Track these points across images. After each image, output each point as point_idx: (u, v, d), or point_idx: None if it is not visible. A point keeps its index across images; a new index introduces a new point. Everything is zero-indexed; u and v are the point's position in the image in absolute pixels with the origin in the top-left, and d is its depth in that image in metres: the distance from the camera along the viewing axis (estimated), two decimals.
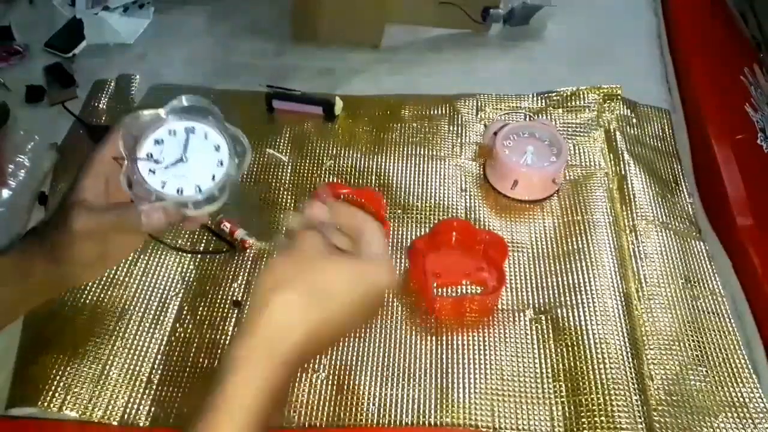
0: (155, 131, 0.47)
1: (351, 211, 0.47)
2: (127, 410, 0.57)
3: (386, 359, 0.60)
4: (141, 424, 0.57)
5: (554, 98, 0.84)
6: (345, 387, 0.58)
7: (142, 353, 0.61)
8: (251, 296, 0.41)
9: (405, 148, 0.79)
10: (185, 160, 0.46)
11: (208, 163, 0.47)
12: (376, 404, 0.57)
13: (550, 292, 0.64)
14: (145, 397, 0.58)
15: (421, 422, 0.56)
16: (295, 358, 0.40)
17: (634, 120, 0.81)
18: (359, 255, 0.44)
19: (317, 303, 0.41)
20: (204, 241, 0.70)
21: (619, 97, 0.83)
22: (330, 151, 0.79)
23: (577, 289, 0.64)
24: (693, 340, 0.61)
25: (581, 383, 0.57)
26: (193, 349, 0.61)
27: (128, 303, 0.64)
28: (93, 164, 0.47)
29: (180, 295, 0.65)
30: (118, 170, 0.46)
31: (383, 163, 0.77)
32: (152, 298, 0.65)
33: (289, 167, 0.77)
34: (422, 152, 0.78)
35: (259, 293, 0.41)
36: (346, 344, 0.61)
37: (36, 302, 0.51)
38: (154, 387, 0.59)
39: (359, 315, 0.44)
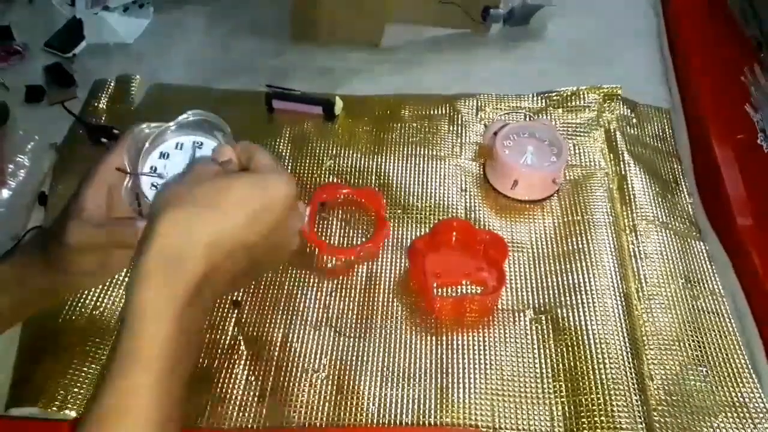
0: (162, 143, 0.45)
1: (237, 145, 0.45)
2: None
3: (386, 359, 0.60)
4: None
5: (554, 98, 0.84)
6: (345, 387, 0.58)
7: None
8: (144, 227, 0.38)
9: (405, 148, 0.79)
10: None
11: None
12: (376, 404, 0.57)
13: (550, 292, 0.64)
14: None
15: (421, 422, 0.56)
16: (198, 283, 0.36)
17: (634, 120, 0.81)
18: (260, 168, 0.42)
19: (210, 217, 0.37)
20: None
21: (619, 97, 0.83)
22: (330, 151, 0.79)
23: (577, 289, 0.64)
24: (693, 340, 0.61)
25: (581, 383, 0.57)
26: None
27: None
28: (97, 173, 0.45)
29: None
30: (121, 181, 0.45)
31: (383, 163, 0.77)
32: None
33: (289, 167, 0.77)
34: (422, 152, 0.78)
35: (148, 221, 0.38)
36: (346, 344, 0.61)
37: (36, 309, 0.51)
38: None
39: (263, 230, 0.39)
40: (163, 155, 0.45)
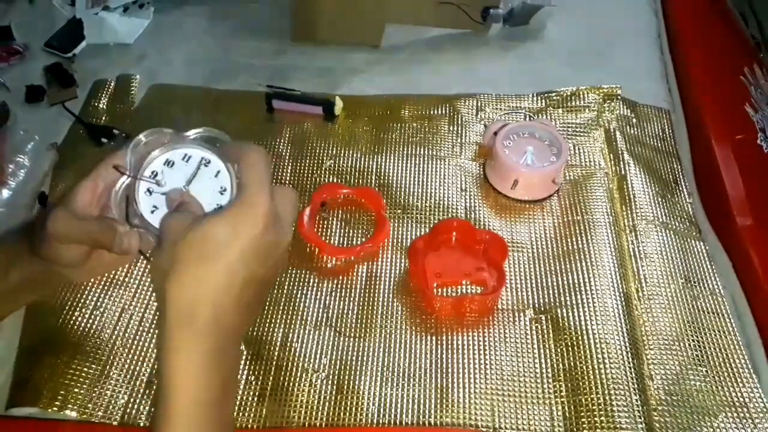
0: (172, 150, 0.44)
1: (234, 144, 0.44)
2: (127, 410, 0.58)
3: (386, 359, 0.60)
4: (141, 424, 0.57)
5: (554, 98, 0.84)
6: (345, 387, 0.58)
7: (142, 353, 0.61)
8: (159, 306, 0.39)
9: (405, 148, 0.79)
10: (186, 190, 0.43)
11: (207, 202, 0.43)
12: (376, 404, 0.57)
13: (550, 292, 0.64)
14: (145, 397, 0.58)
15: (421, 422, 0.56)
16: (216, 332, 0.38)
17: (634, 120, 0.81)
18: (235, 196, 0.41)
19: (204, 271, 0.38)
20: None
21: (618, 96, 0.83)
22: (330, 151, 0.79)
23: (577, 289, 0.64)
24: (693, 340, 0.61)
25: (581, 383, 0.57)
26: None
27: (128, 303, 0.64)
28: (98, 169, 0.45)
29: None
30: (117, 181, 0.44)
31: (383, 163, 0.77)
32: (152, 298, 0.65)
33: (289, 167, 0.77)
34: (422, 152, 0.78)
35: (156, 290, 0.39)
36: (346, 344, 0.61)
37: (26, 299, 0.50)
38: (154, 387, 0.59)
39: (258, 254, 0.40)
40: (168, 163, 0.44)
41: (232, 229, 0.38)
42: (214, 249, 0.38)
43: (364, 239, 0.70)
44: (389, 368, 0.59)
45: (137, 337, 0.62)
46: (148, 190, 0.43)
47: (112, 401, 0.58)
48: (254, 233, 0.39)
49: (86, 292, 0.65)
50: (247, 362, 0.60)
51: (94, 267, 0.48)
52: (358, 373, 0.59)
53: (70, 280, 0.49)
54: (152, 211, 0.43)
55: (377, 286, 0.65)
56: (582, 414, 0.56)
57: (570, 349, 0.60)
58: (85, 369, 0.59)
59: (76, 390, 0.58)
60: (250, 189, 0.40)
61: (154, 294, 0.41)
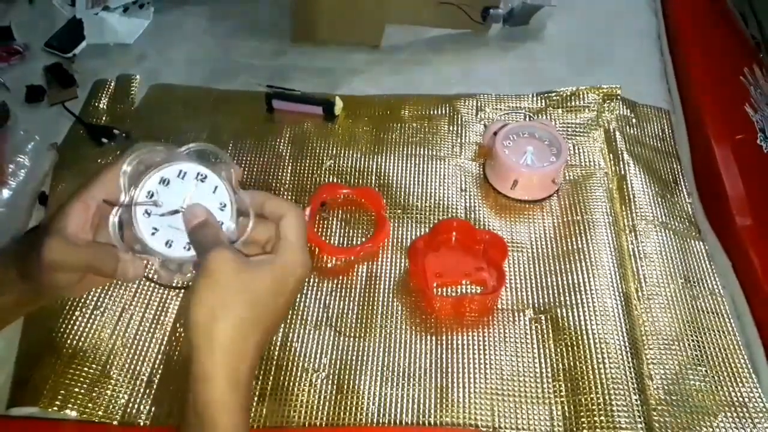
0: (164, 168, 0.42)
1: (268, 196, 0.44)
2: (127, 410, 0.58)
3: (386, 359, 0.60)
4: (141, 424, 0.57)
5: (554, 98, 0.84)
6: (345, 387, 0.58)
7: (142, 353, 0.61)
8: (187, 337, 0.40)
9: (405, 148, 0.79)
10: (183, 210, 0.42)
11: None
12: (376, 404, 0.57)
13: (550, 292, 0.64)
14: (145, 397, 0.58)
15: (421, 422, 0.56)
16: (250, 371, 0.41)
17: (634, 120, 0.81)
18: (275, 250, 0.42)
19: (250, 321, 0.40)
20: None
21: (618, 97, 0.83)
22: (330, 151, 0.79)
23: (576, 289, 0.64)
24: (692, 340, 0.61)
25: (581, 383, 0.57)
26: None
27: (128, 303, 0.64)
28: (88, 189, 0.42)
29: (180, 294, 0.65)
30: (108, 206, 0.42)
31: (383, 163, 0.77)
32: (152, 298, 0.65)
33: (289, 167, 0.77)
34: (422, 152, 0.78)
35: (192, 334, 0.39)
36: (346, 344, 0.61)
37: (16, 317, 0.49)
38: (154, 387, 0.59)
39: (290, 300, 0.43)
40: (163, 181, 0.42)
41: (278, 287, 0.41)
42: (264, 302, 0.41)
43: (364, 239, 0.70)
44: (389, 368, 0.60)
45: (137, 337, 0.62)
46: (146, 211, 0.42)
47: (112, 401, 0.58)
48: (297, 288, 0.43)
49: (87, 292, 0.65)
50: None
51: (88, 283, 0.46)
52: (358, 372, 0.59)
53: (63, 297, 0.48)
54: (152, 233, 0.42)
55: (377, 286, 0.66)
56: (582, 414, 0.56)
57: (570, 349, 0.60)
58: (85, 369, 0.60)
59: (76, 390, 0.58)
60: (295, 247, 0.43)
61: (182, 320, 0.42)
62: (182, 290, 0.65)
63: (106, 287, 0.65)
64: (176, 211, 0.42)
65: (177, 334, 0.62)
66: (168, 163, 0.42)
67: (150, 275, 0.42)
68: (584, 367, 0.58)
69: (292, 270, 0.42)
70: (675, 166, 0.78)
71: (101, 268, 0.42)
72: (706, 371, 0.59)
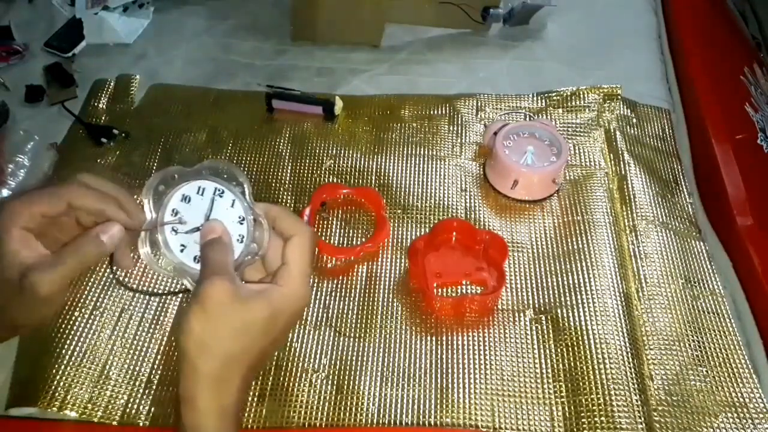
0: (184, 185, 0.44)
1: (281, 212, 0.44)
2: (127, 410, 0.57)
3: (386, 359, 0.60)
4: (141, 424, 0.57)
5: (554, 98, 0.84)
6: (345, 387, 0.58)
7: (142, 353, 0.61)
8: (177, 358, 0.40)
9: (405, 148, 0.79)
10: (202, 227, 0.43)
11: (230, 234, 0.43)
12: (376, 404, 0.57)
13: (550, 292, 0.64)
14: (145, 397, 0.58)
15: (421, 422, 0.56)
16: (237, 403, 0.41)
17: (634, 120, 0.81)
18: (276, 278, 0.42)
19: (238, 357, 0.40)
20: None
21: (619, 97, 0.83)
22: (330, 151, 0.79)
23: (577, 289, 0.64)
24: (693, 340, 0.61)
25: (581, 383, 0.57)
26: None
27: (128, 303, 0.64)
28: (12, 228, 0.40)
29: (180, 295, 0.65)
30: (50, 227, 0.41)
31: (383, 163, 0.77)
32: (152, 298, 0.65)
33: (289, 167, 0.77)
34: (422, 152, 0.78)
35: (180, 360, 0.39)
36: (346, 344, 0.61)
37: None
38: (154, 387, 0.59)
39: (288, 329, 0.44)
40: (185, 198, 0.44)
41: (272, 321, 0.41)
42: (254, 336, 0.40)
43: (364, 239, 0.70)
44: (389, 368, 0.59)
45: (137, 337, 0.62)
46: (173, 228, 0.44)
47: (112, 401, 0.58)
48: (289, 326, 0.43)
49: (86, 292, 0.65)
50: None
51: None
52: (358, 373, 0.59)
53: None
54: (181, 250, 0.44)
55: (377, 286, 0.65)
56: (582, 414, 0.56)
57: (570, 349, 0.60)
58: (85, 369, 0.59)
59: (75, 390, 0.58)
60: (296, 279, 0.42)
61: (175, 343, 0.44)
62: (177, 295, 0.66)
63: (107, 287, 0.65)
64: (198, 229, 0.43)
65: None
66: (187, 180, 0.44)
67: (142, 287, 0.45)
68: (585, 367, 0.58)
69: (289, 304, 0.42)
70: (675, 166, 0.78)
71: (89, 255, 0.41)
72: (706, 371, 0.59)
